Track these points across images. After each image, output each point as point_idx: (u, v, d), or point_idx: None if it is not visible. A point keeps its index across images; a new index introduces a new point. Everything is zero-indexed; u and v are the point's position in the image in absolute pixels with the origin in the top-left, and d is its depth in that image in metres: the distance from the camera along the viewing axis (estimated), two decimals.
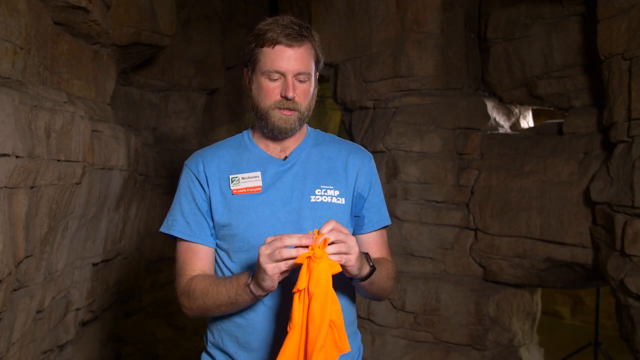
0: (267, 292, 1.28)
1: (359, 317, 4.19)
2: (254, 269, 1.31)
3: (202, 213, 1.49)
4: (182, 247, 1.51)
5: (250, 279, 1.30)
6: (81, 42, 3.18)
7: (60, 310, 2.99)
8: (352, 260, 1.26)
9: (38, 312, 2.65)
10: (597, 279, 3.48)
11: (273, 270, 1.21)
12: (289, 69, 1.39)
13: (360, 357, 1.62)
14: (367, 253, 1.41)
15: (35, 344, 2.73)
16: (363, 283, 1.39)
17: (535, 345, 4.23)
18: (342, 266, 1.27)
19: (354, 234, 1.59)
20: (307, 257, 1.20)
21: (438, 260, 4.06)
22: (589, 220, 3.28)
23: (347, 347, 1.25)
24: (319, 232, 1.23)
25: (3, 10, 2.34)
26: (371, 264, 1.37)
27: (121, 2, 3.38)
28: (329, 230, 1.23)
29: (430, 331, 3.95)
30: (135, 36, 3.57)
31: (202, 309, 1.43)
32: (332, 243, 1.23)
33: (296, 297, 1.22)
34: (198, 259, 1.49)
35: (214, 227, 1.50)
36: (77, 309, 3.28)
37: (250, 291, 1.29)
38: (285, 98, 1.41)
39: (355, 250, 1.26)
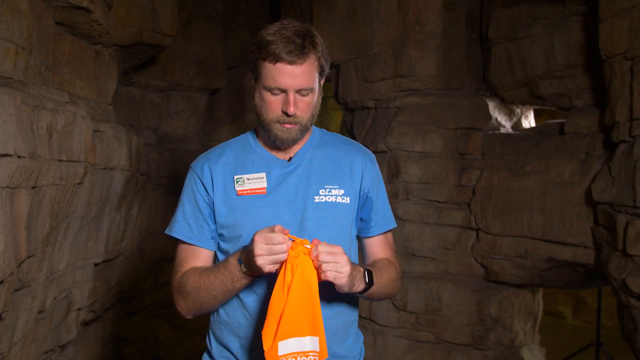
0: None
1: (360, 317, 4.18)
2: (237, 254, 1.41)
3: (203, 216, 1.50)
4: (181, 248, 1.53)
5: (242, 266, 1.35)
6: (83, 42, 3.18)
7: (62, 310, 3.00)
8: (341, 279, 1.31)
9: (40, 312, 2.65)
10: (599, 279, 3.48)
11: (269, 267, 1.29)
12: (290, 85, 1.38)
13: (362, 357, 1.61)
14: (368, 269, 1.43)
15: (37, 343, 2.74)
16: (361, 295, 1.44)
17: (536, 345, 4.23)
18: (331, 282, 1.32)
19: (359, 235, 1.60)
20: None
21: (440, 260, 4.06)
22: (590, 220, 3.27)
23: (324, 354, 1.31)
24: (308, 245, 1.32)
25: (5, 11, 2.34)
26: (367, 280, 1.40)
27: (123, 2, 3.38)
28: (316, 254, 1.29)
29: (432, 331, 3.94)
30: (136, 36, 3.57)
31: (196, 304, 1.45)
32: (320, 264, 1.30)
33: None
34: (196, 259, 1.51)
35: (216, 229, 1.51)
36: (79, 309, 3.29)
37: (247, 275, 1.36)
38: (286, 114, 1.41)
39: (345, 270, 1.31)
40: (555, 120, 3.93)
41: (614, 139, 3.07)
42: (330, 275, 1.28)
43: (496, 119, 4.16)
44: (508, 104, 4.28)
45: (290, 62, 1.36)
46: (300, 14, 5.25)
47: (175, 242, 1.55)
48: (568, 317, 7.39)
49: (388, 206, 1.62)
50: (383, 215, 1.59)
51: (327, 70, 1.49)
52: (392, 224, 1.62)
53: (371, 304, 4.12)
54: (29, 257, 2.33)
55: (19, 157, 2.04)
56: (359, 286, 1.38)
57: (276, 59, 1.36)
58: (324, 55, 1.45)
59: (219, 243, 1.54)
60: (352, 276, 1.33)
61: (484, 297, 3.86)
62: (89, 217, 3.09)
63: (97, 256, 3.40)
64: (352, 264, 1.34)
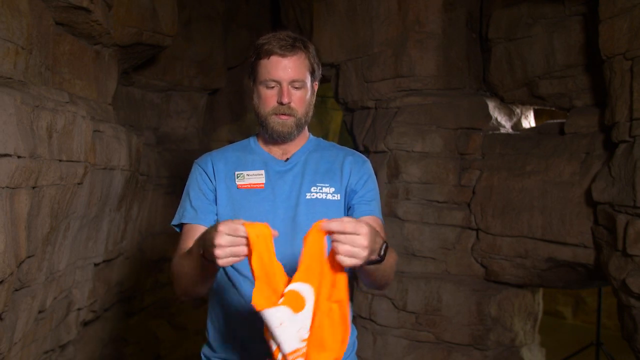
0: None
1: (360, 317, 4.19)
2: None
3: (208, 200, 1.59)
4: (185, 230, 1.58)
5: (201, 249, 1.27)
6: (83, 42, 3.18)
7: (62, 310, 3.00)
8: (355, 263, 1.16)
9: (40, 312, 2.65)
10: (599, 279, 3.48)
11: (224, 262, 1.18)
12: (283, 77, 1.51)
13: (354, 352, 1.66)
14: (386, 243, 1.31)
15: (37, 343, 2.74)
16: (370, 267, 1.30)
17: (536, 346, 4.23)
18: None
19: None
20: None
21: (440, 260, 4.06)
22: (590, 220, 3.28)
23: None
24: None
25: (5, 11, 2.34)
26: (381, 254, 1.27)
27: (122, 2, 3.38)
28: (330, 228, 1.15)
29: (432, 331, 3.95)
30: (136, 36, 3.57)
31: (183, 288, 1.46)
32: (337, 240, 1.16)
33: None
34: (195, 234, 1.50)
35: (217, 215, 1.58)
36: (79, 309, 3.29)
37: (208, 260, 1.26)
38: (281, 104, 1.52)
39: (362, 254, 1.14)
40: (555, 120, 3.93)
41: (614, 139, 3.07)
42: (345, 261, 1.14)
43: (496, 119, 4.16)
44: (508, 104, 4.28)
45: (282, 55, 1.50)
46: (301, 14, 5.25)
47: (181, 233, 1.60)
48: (568, 317, 7.39)
49: (375, 200, 1.61)
50: (367, 204, 1.59)
51: (318, 74, 1.60)
52: (378, 214, 1.61)
53: (371, 304, 4.12)
54: (29, 257, 2.33)
55: (19, 157, 2.04)
56: (372, 258, 1.23)
57: (269, 53, 1.51)
58: (314, 58, 1.58)
59: None
60: (371, 250, 1.18)
61: (484, 297, 3.86)
62: (89, 217, 3.09)
63: (97, 256, 3.40)
64: (374, 232, 1.19)
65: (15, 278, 2.23)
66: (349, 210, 1.61)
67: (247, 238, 1.15)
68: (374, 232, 1.19)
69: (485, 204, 3.85)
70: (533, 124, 4.49)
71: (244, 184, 1.57)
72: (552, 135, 3.74)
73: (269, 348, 1.20)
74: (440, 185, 4.04)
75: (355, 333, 1.69)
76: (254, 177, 1.57)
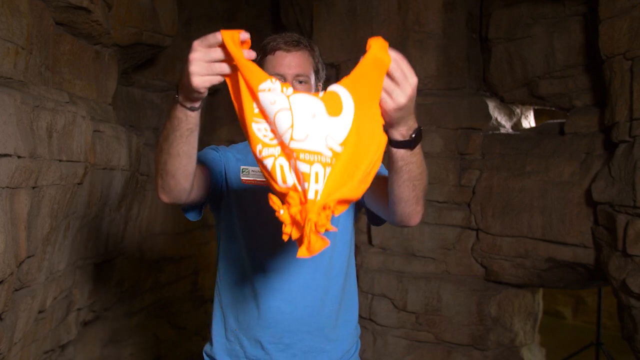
0: (195, 94, 1.22)
1: (360, 317, 4.18)
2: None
3: (219, 162, 1.58)
4: None
5: (179, 97, 1.27)
6: (83, 43, 3.18)
7: (62, 310, 3.00)
8: (388, 106, 1.12)
9: (40, 312, 2.65)
10: (599, 279, 3.48)
11: (199, 80, 1.15)
12: (287, 71, 1.52)
13: (357, 351, 1.68)
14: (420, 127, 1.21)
15: (37, 344, 2.74)
16: (399, 154, 1.20)
17: (536, 346, 4.23)
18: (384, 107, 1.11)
19: (364, 199, 1.53)
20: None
21: (440, 260, 4.06)
22: (590, 220, 3.28)
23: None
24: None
25: (5, 11, 2.34)
26: (418, 128, 1.19)
27: (122, 3, 3.38)
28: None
29: (432, 331, 3.95)
30: (136, 36, 3.57)
31: (161, 171, 1.33)
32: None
33: None
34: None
35: (221, 181, 1.57)
36: (79, 309, 3.29)
37: (181, 105, 1.27)
38: None
39: (413, 81, 1.12)
40: (555, 120, 3.93)
41: (614, 139, 3.07)
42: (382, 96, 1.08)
43: (496, 119, 4.16)
44: (508, 104, 4.28)
45: (287, 51, 1.52)
46: (301, 14, 5.25)
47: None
48: (568, 317, 7.39)
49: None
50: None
51: (322, 75, 1.62)
52: None
53: (371, 304, 4.11)
54: (29, 257, 2.33)
55: (19, 157, 2.04)
56: (412, 122, 1.16)
57: (275, 49, 1.53)
58: (319, 59, 1.60)
59: (221, 221, 1.63)
60: (407, 110, 1.13)
61: (484, 297, 3.86)
62: (89, 217, 3.09)
63: (97, 256, 3.40)
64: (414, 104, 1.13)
65: (15, 278, 2.23)
66: (356, 206, 1.64)
67: (224, 48, 1.06)
68: (414, 104, 1.13)
69: (485, 204, 3.85)
70: (533, 124, 4.49)
71: (248, 179, 1.58)
72: (552, 135, 3.74)
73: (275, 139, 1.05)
74: (440, 185, 4.05)
75: (359, 332, 1.71)
76: (259, 174, 1.56)
